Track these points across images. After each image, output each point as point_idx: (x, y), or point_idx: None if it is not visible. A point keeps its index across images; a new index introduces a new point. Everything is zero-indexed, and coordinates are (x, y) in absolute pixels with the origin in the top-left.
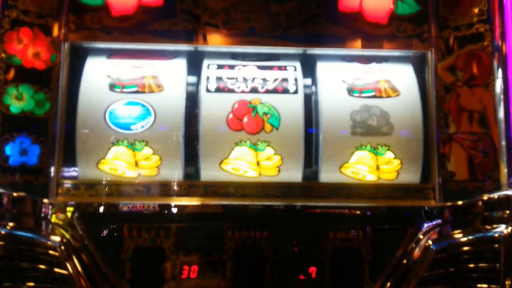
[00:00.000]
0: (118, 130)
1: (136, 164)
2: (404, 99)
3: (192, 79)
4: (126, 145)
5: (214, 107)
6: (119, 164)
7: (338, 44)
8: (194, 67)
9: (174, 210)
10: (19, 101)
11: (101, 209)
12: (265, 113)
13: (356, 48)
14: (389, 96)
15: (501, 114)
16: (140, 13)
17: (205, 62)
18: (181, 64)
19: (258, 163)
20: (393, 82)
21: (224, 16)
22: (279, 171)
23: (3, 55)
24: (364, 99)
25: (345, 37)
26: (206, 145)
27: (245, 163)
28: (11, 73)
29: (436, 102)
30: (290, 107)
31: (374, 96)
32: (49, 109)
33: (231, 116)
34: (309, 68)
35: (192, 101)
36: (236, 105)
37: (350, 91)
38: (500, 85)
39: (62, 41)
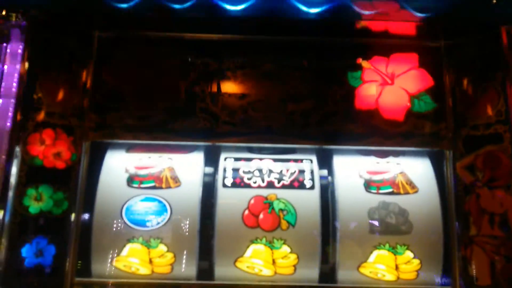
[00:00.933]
0: (134, 226)
1: (150, 261)
2: (423, 196)
3: (209, 173)
4: (141, 242)
5: (230, 204)
6: (133, 262)
7: (355, 142)
8: (211, 160)
9: None
10: (38, 202)
11: None
12: (281, 210)
13: (373, 146)
14: (407, 193)
15: None
16: (160, 112)
17: (222, 156)
18: (198, 158)
19: (274, 261)
20: (411, 177)
21: (241, 115)
22: (295, 269)
23: (25, 157)
24: (382, 196)
25: (362, 134)
26: (221, 242)
27: (261, 261)
28: (32, 174)
29: (455, 201)
30: (307, 204)
31: (392, 193)
32: (66, 208)
33: (247, 212)
34: (325, 161)
35: (209, 196)
36: (252, 201)
37: (368, 187)
38: None
39: (84, 140)
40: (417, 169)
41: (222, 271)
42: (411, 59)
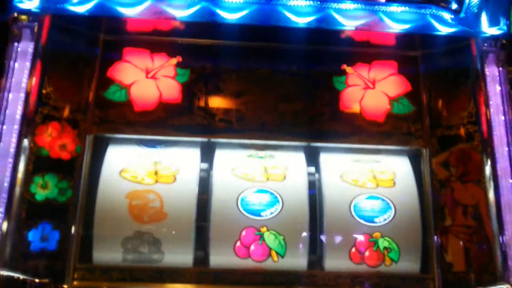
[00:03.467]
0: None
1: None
2: (402, 191)
3: (205, 169)
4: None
5: (225, 196)
6: (132, 250)
7: (340, 139)
8: (207, 156)
9: None
10: (43, 189)
11: None
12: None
13: (356, 144)
14: (388, 187)
15: (493, 210)
16: (160, 109)
17: (217, 152)
18: (195, 154)
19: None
20: (391, 173)
21: (236, 114)
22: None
23: (33, 147)
24: (365, 189)
25: (346, 133)
26: (217, 232)
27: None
28: (39, 164)
29: (432, 195)
30: (295, 197)
31: (374, 187)
32: (70, 196)
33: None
34: (312, 158)
35: (204, 189)
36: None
37: (351, 181)
38: (490, 182)
39: (87, 133)
40: (396, 166)
41: (218, 259)
42: (391, 66)
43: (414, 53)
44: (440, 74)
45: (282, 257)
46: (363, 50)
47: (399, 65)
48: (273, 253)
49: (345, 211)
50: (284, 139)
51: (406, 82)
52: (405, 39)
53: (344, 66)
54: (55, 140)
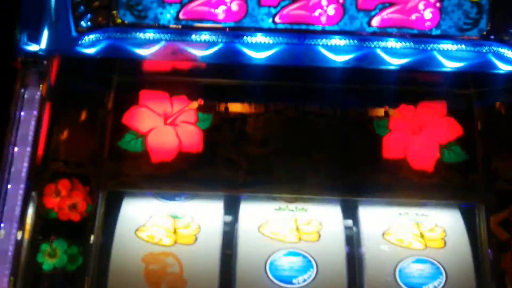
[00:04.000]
0: None
1: None
2: (454, 252)
3: (229, 222)
4: None
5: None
6: None
7: (382, 193)
8: (231, 209)
9: None
10: (51, 258)
11: None
12: None
13: (401, 198)
14: (437, 248)
15: None
16: (179, 160)
17: (242, 205)
18: (217, 208)
19: None
20: (441, 232)
21: (263, 163)
22: None
23: (40, 210)
24: (411, 250)
25: (389, 185)
26: None
27: None
28: (46, 229)
29: (490, 259)
30: (330, 257)
31: (421, 248)
32: (80, 265)
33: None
34: (350, 212)
35: (229, 247)
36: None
37: (395, 241)
38: None
39: (100, 189)
40: (447, 223)
41: None
42: (440, 107)
43: (467, 91)
44: (497, 116)
45: None
46: (408, 89)
47: (450, 106)
48: None
49: (390, 278)
50: (318, 194)
51: (457, 126)
52: (456, 75)
53: (387, 108)
54: (65, 200)
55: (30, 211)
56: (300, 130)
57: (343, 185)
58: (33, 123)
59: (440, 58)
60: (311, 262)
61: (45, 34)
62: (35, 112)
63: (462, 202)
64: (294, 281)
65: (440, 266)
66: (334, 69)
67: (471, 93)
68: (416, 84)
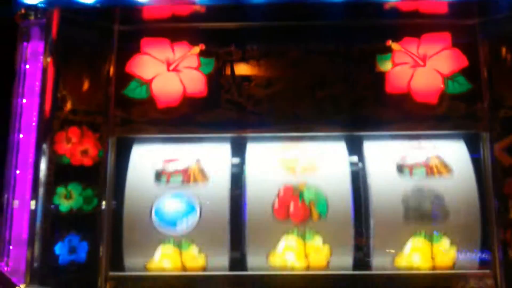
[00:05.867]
0: (164, 229)
1: (182, 264)
2: (458, 180)
3: (236, 165)
4: (173, 245)
5: (260, 195)
6: (166, 264)
7: (387, 127)
8: (238, 151)
9: None
10: (68, 200)
11: None
12: (312, 200)
13: (406, 131)
14: (442, 176)
15: None
16: (185, 105)
17: (249, 146)
18: (225, 149)
19: (306, 255)
20: (445, 160)
21: (268, 104)
22: (328, 262)
23: (52, 156)
24: (416, 180)
25: (394, 119)
26: (252, 237)
27: (293, 255)
28: (60, 173)
29: (493, 184)
30: (338, 191)
31: (426, 177)
32: (96, 205)
33: (277, 205)
34: (355, 147)
35: (237, 190)
36: (281, 192)
37: (400, 171)
38: None
39: (109, 136)
40: (451, 152)
41: (255, 268)
42: (444, 39)
43: (471, 22)
44: (502, 45)
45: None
46: (411, 22)
47: (453, 37)
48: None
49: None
50: (322, 130)
51: (462, 57)
52: (459, 5)
53: (389, 42)
54: (76, 146)
55: (44, 158)
56: (303, 69)
57: (348, 121)
58: (38, 75)
59: None
60: (323, 196)
61: None
62: (39, 65)
63: (466, 132)
64: None
65: (445, 194)
66: (335, 5)
67: (475, 23)
68: (420, 16)
